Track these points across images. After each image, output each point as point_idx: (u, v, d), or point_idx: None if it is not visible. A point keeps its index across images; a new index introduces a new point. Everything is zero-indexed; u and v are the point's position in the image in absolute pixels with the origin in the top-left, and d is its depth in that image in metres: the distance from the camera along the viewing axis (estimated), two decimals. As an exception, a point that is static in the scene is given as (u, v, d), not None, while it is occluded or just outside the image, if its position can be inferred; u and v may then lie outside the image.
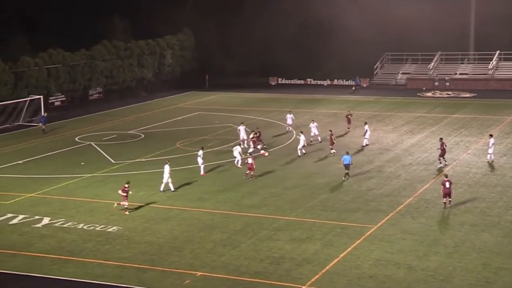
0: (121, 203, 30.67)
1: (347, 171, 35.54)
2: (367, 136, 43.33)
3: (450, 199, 30.96)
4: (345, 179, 35.43)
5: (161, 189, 33.94)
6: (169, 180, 33.80)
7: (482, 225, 28.11)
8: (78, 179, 36.90)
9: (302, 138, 40.90)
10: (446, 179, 30.99)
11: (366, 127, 43.55)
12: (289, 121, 48.45)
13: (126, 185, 30.77)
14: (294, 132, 47.50)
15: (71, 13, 71.24)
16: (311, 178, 36.12)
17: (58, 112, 58.73)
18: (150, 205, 31.90)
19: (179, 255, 25.43)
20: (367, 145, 43.07)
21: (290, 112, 49.37)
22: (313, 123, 44.99)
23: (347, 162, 35.37)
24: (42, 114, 52.39)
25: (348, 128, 48.31)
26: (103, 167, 39.30)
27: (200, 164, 37.07)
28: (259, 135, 42.61)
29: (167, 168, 33.90)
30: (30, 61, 57.93)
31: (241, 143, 42.23)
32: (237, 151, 38.60)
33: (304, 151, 40.85)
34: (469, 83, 69.60)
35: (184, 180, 36.14)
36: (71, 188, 35.19)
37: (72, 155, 43.00)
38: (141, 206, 31.62)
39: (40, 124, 51.21)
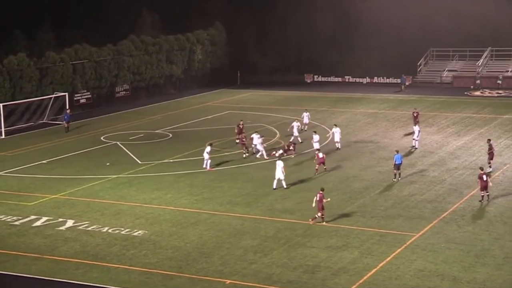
0: (317, 215, 29.33)
1: (398, 171, 35.48)
2: (417, 137, 42.76)
3: (488, 193, 31.03)
4: (396, 180, 35.28)
5: (274, 186, 34.54)
6: (282, 177, 34.41)
7: (534, 235, 27.58)
8: (103, 180, 37.31)
9: (335, 130, 42.59)
10: (482, 172, 31.48)
11: (415, 128, 43.12)
12: (306, 120, 48.72)
13: (321, 192, 29.55)
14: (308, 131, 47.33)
15: (99, 8, 72.27)
16: (348, 181, 35.92)
17: (84, 110, 59.55)
18: (178, 208, 32.09)
19: (207, 262, 25.51)
20: (416, 148, 42.50)
21: (306, 111, 49.60)
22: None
23: (399, 162, 35.26)
24: (66, 112, 53.06)
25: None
26: (129, 168, 39.67)
27: (205, 159, 38.30)
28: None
29: (280, 163, 34.55)
30: (56, 57, 58.82)
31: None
32: (258, 142, 40.64)
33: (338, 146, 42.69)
34: (523, 82, 68.32)
35: (214, 182, 36.28)
36: (96, 189, 35.59)
37: (97, 155, 43.49)
38: (168, 210, 31.83)
39: (64, 122, 51.93)
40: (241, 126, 44.57)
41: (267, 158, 40.08)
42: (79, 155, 43.68)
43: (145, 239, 27.97)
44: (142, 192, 34.91)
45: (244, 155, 41.12)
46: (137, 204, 32.69)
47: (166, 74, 69.65)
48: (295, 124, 45.42)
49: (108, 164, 40.78)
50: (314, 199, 29.38)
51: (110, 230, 29.11)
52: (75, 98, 59.88)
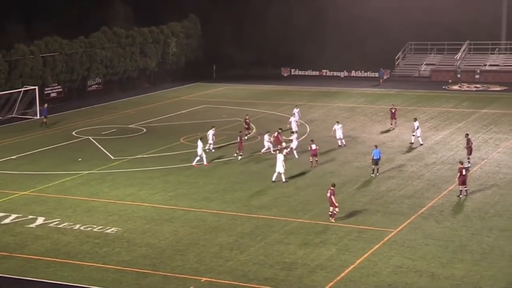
0: (332, 210, 29.01)
1: (376, 166, 35.75)
2: (418, 134, 42.48)
3: (466, 188, 31.41)
4: (374, 176, 35.52)
5: (273, 178, 34.73)
6: (282, 170, 34.52)
7: (512, 230, 27.97)
8: (75, 176, 37.02)
9: (337, 127, 42.16)
10: (461, 166, 31.91)
11: (416, 123, 42.79)
12: (296, 117, 48.22)
13: (332, 188, 29.23)
14: (308, 127, 47.44)
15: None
16: (325, 177, 36.07)
17: (54, 104, 58.95)
18: (152, 205, 31.98)
19: (182, 259, 25.47)
20: (421, 144, 42.36)
21: (297, 107, 49.10)
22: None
23: (377, 157, 35.49)
24: (43, 106, 52.23)
25: (391, 124, 47.83)
26: (102, 164, 39.42)
27: (199, 155, 38.07)
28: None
29: (280, 157, 34.74)
30: (25, 49, 58.17)
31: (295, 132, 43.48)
32: (265, 140, 40.31)
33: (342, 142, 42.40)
34: (500, 75, 69.20)
35: (189, 178, 36.20)
36: (67, 186, 35.32)
37: (68, 151, 43.14)
38: (142, 206, 31.70)
39: (42, 117, 51.19)
40: (248, 121, 45.13)
41: (274, 152, 39.65)
42: (50, 151, 43.30)
43: (119, 237, 27.83)
44: (115, 188, 34.73)
45: (235, 155, 40.02)
46: (110, 201, 32.51)
47: (139, 67, 69.29)
48: (293, 119, 45.27)
49: (80, 159, 40.49)
50: (327, 195, 29.13)
51: (82, 228, 28.92)
52: (45, 92, 59.32)
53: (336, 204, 28.99)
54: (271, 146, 40.34)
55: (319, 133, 46.48)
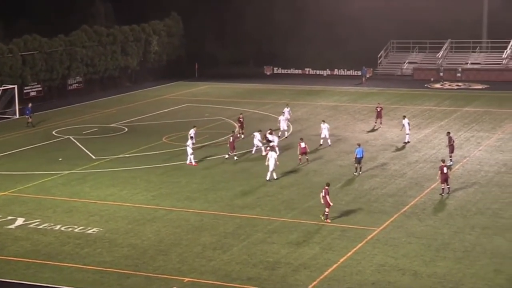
0: (326, 210, 28.96)
1: (359, 165, 35.92)
2: (407, 131, 42.64)
3: (448, 186, 31.67)
4: (357, 174, 35.69)
5: (268, 178, 34.82)
6: (274, 168, 34.72)
7: (494, 228, 28.14)
8: (55, 176, 36.76)
9: (324, 126, 41.96)
10: (443, 164, 32.25)
11: (405, 121, 42.98)
12: (287, 116, 48.15)
13: (327, 187, 29.17)
14: (291, 126, 47.50)
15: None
16: (308, 176, 36.13)
17: (34, 103, 58.39)
18: (134, 205, 31.83)
19: (165, 259, 25.38)
20: (408, 141, 42.57)
21: (287, 106, 49.01)
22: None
23: (360, 155, 35.63)
24: (27, 105, 51.62)
25: (376, 122, 47.84)
26: (83, 164, 39.17)
27: (189, 154, 37.93)
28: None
29: (273, 155, 34.79)
30: (4, 48, 57.65)
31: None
32: (256, 138, 40.01)
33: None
34: (481, 74, 69.74)
35: (171, 178, 36.08)
36: (47, 186, 35.06)
37: (49, 150, 42.83)
38: (124, 206, 31.55)
39: (27, 117, 50.56)
40: (241, 119, 44.63)
41: (265, 153, 39.19)
42: (30, 150, 42.96)
43: (100, 237, 27.67)
44: (96, 188, 34.53)
45: (227, 157, 39.23)
46: (91, 201, 32.31)
47: (121, 66, 68.95)
48: (282, 118, 45.03)
49: (60, 159, 40.22)
50: (320, 195, 29.13)
51: (62, 228, 28.72)
52: (24, 91, 58.83)
53: (331, 204, 28.96)
54: (261, 145, 39.86)
55: (302, 131, 46.54)
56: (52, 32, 62.59)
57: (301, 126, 48.70)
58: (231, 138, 39.20)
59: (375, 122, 48.06)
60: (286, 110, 47.82)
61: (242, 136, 43.92)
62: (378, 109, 48.11)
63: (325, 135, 42.33)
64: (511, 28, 70.09)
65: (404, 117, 43.96)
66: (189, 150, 38.15)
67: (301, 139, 38.55)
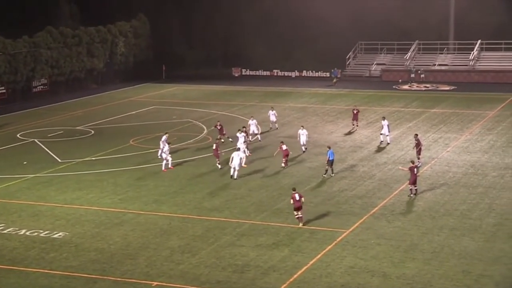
0: (301, 213, 28.79)
1: (331, 167, 36.11)
2: (385, 132, 42.72)
3: (416, 187, 32.07)
4: (326, 176, 35.92)
5: (235, 176, 35.34)
6: (238, 167, 35.10)
7: (462, 229, 28.55)
8: (19, 180, 36.35)
9: (302, 132, 41.39)
10: (413, 164, 32.68)
11: (384, 122, 43.12)
12: (272, 118, 48.08)
13: (294, 192, 28.92)
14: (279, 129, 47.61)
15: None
16: (277, 178, 36.26)
17: (-3, 106, 57.87)
18: (101, 208, 31.61)
19: (133, 264, 25.27)
20: (388, 143, 42.80)
21: (272, 109, 48.73)
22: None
23: (332, 158, 35.97)
24: None
25: (353, 124, 47.96)
26: (48, 167, 38.81)
27: (164, 158, 37.77)
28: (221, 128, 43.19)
29: (240, 154, 35.03)
30: (-35, 49, 56.87)
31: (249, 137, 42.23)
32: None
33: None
34: (449, 75, 70.72)
35: (139, 181, 35.92)
36: (12, 190, 34.66)
37: (13, 154, 42.36)
38: (90, 210, 31.32)
39: None
40: (218, 127, 43.12)
41: (250, 154, 39.80)
42: (-7, 154, 42.43)
43: (66, 241, 27.45)
44: (62, 192, 34.23)
45: (220, 167, 37.88)
46: (57, 205, 32.03)
47: (86, 67, 68.43)
48: (252, 122, 44.41)
49: (25, 163, 39.78)
50: (291, 201, 29.03)
51: (28, 233, 28.42)
52: (-12, 93, 58.10)
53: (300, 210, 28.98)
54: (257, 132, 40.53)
55: (271, 133, 46.68)
56: (15, 33, 61.86)
57: (270, 127, 48.80)
58: (214, 145, 38.22)
59: (352, 125, 48.24)
60: (271, 112, 47.69)
61: (223, 140, 42.10)
62: (355, 112, 48.26)
63: (303, 142, 41.43)
64: (477, 30, 71.11)
65: (384, 118, 44.16)
66: (167, 156, 37.69)
67: (282, 142, 38.58)
